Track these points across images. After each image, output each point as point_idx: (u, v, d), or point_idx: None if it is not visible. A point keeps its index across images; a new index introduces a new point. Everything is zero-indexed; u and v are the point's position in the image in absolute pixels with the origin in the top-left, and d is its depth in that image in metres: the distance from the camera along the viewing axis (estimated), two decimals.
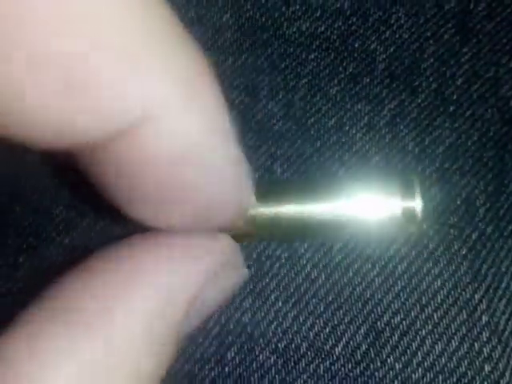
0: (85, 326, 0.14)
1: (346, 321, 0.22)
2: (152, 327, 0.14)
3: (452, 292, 0.22)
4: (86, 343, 0.13)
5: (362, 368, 0.22)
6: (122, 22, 0.12)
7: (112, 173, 0.14)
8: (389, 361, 0.22)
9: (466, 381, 0.22)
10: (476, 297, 0.21)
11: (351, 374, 0.22)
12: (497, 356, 0.21)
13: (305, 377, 0.22)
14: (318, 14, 0.20)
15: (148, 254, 0.15)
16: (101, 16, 0.11)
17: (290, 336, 0.22)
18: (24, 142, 0.12)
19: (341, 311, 0.22)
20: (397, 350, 0.22)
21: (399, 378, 0.22)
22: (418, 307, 0.21)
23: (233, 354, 0.22)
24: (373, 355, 0.22)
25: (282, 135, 0.22)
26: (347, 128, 0.22)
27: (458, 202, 0.22)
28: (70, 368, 0.13)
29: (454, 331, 0.21)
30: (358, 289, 0.22)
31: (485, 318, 0.21)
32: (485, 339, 0.21)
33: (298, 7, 0.21)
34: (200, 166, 0.14)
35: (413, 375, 0.22)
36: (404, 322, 0.22)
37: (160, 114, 0.12)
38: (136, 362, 0.14)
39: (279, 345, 0.22)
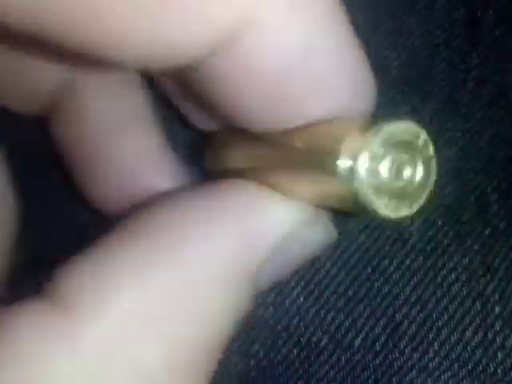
0: (162, 255, 0.13)
1: (365, 315, 0.23)
2: (229, 269, 0.14)
3: (466, 285, 0.23)
4: (163, 270, 0.13)
5: (381, 358, 0.23)
6: None
7: (217, 88, 0.13)
8: (406, 351, 0.23)
9: (481, 368, 0.23)
10: (489, 289, 0.22)
11: (371, 365, 0.23)
12: (509, 344, 0.22)
13: (327, 367, 0.23)
14: None
15: (236, 195, 0.15)
16: None
17: (312, 330, 0.23)
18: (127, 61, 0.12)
19: (360, 306, 0.23)
20: (414, 341, 0.23)
21: (417, 366, 0.23)
22: (434, 300, 0.23)
23: (257, 348, 0.23)
24: (391, 346, 0.23)
25: None
26: None
27: (471, 200, 0.23)
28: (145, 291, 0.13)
29: (468, 322, 0.22)
30: (376, 284, 0.23)
31: (497, 309, 0.22)
32: (498, 329, 0.22)
33: None
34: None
35: (430, 364, 0.23)
36: (421, 314, 0.23)
37: (263, 21, 0.12)
38: (207, 299, 0.13)
39: (301, 339, 0.23)
